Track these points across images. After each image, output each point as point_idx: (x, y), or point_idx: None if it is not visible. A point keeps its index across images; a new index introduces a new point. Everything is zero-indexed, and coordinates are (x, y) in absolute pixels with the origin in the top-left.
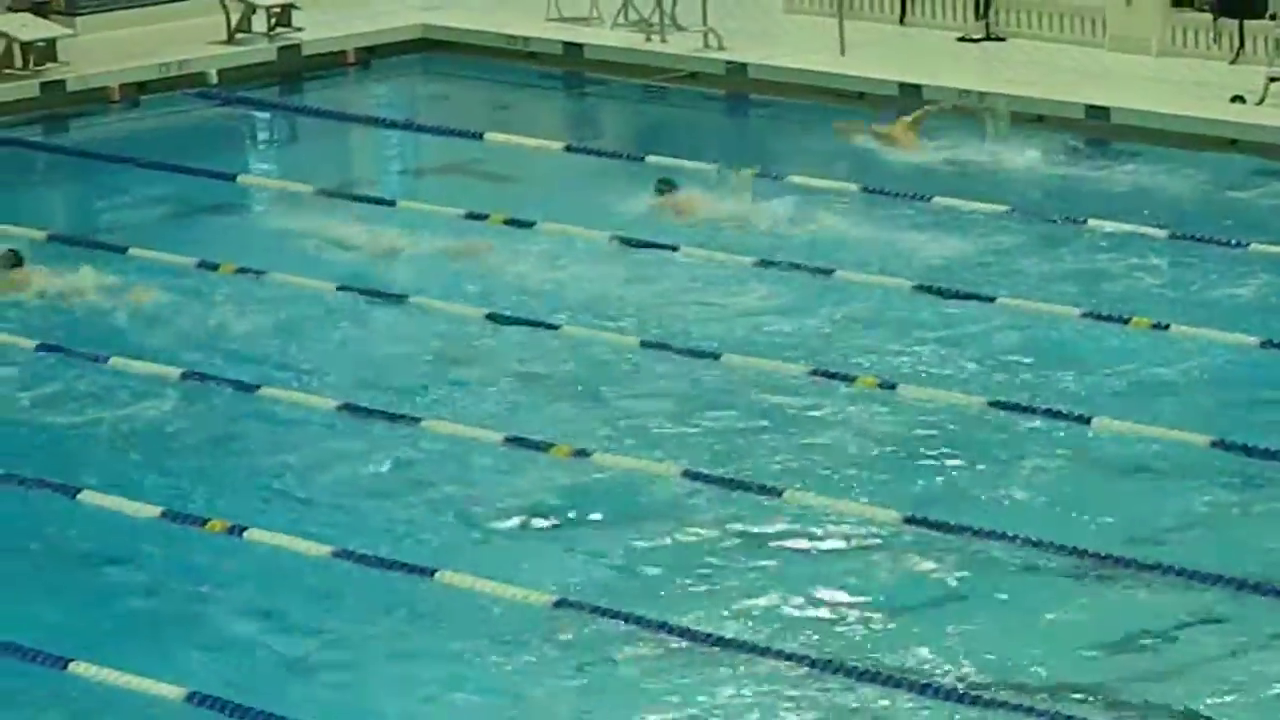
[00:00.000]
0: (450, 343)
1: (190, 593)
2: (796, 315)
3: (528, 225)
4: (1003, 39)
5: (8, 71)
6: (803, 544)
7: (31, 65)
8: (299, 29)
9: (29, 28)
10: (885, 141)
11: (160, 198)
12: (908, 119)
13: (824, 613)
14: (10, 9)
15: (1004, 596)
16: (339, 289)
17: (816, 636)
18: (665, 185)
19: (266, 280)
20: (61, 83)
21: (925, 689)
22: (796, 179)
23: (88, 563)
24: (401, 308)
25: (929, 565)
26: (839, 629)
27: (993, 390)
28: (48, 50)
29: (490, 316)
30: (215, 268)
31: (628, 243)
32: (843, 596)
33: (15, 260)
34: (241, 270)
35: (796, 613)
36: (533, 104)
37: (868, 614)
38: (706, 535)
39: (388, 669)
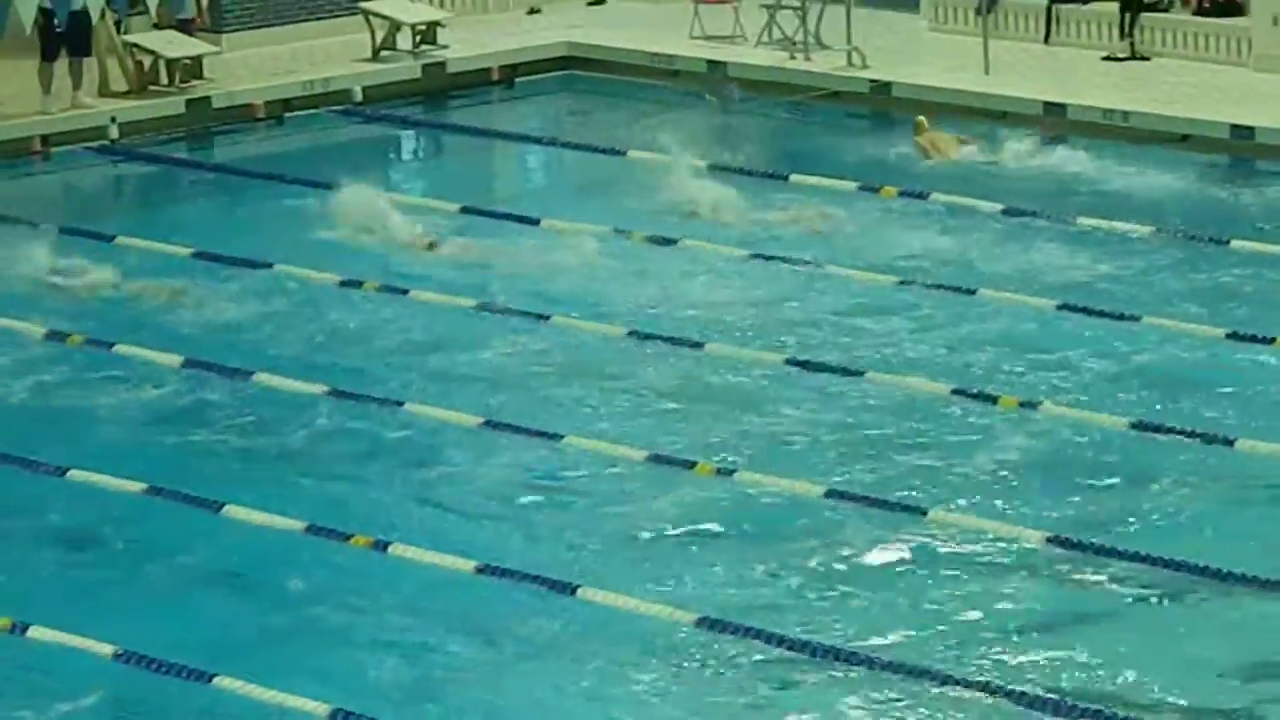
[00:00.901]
0: (592, 359)
1: (334, 608)
2: (939, 334)
3: (670, 243)
4: (1147, 58)
5: (154, 88)
6: (946, 564)
7: (177, 82)
8: (444, 46)
9: (175, 45)
10: (928, 149)
11: (303, 214)
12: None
13: (966, 632)
14: (156, 26)
15: (1146, 619)
16: (478, 307)
17: (958, 655)
18: None
19: (409, 299)
20: (207, 99)
21: (1064, 709)
22: (941, 197)
23: (233, 577)
24: (544, 325)
25: (1071, 586)
26: (981, 648)
27: (1136, 411)
28: (194, 67)
29: (632, 333)
30: (359, 285)
31: (769, 260)
32: (984, 616)
33: None
34: (384, 288)
35: (938, 632)
36: (676, 122)
37: (1009, 634)
38: (850, 554)
39: (530, 686)
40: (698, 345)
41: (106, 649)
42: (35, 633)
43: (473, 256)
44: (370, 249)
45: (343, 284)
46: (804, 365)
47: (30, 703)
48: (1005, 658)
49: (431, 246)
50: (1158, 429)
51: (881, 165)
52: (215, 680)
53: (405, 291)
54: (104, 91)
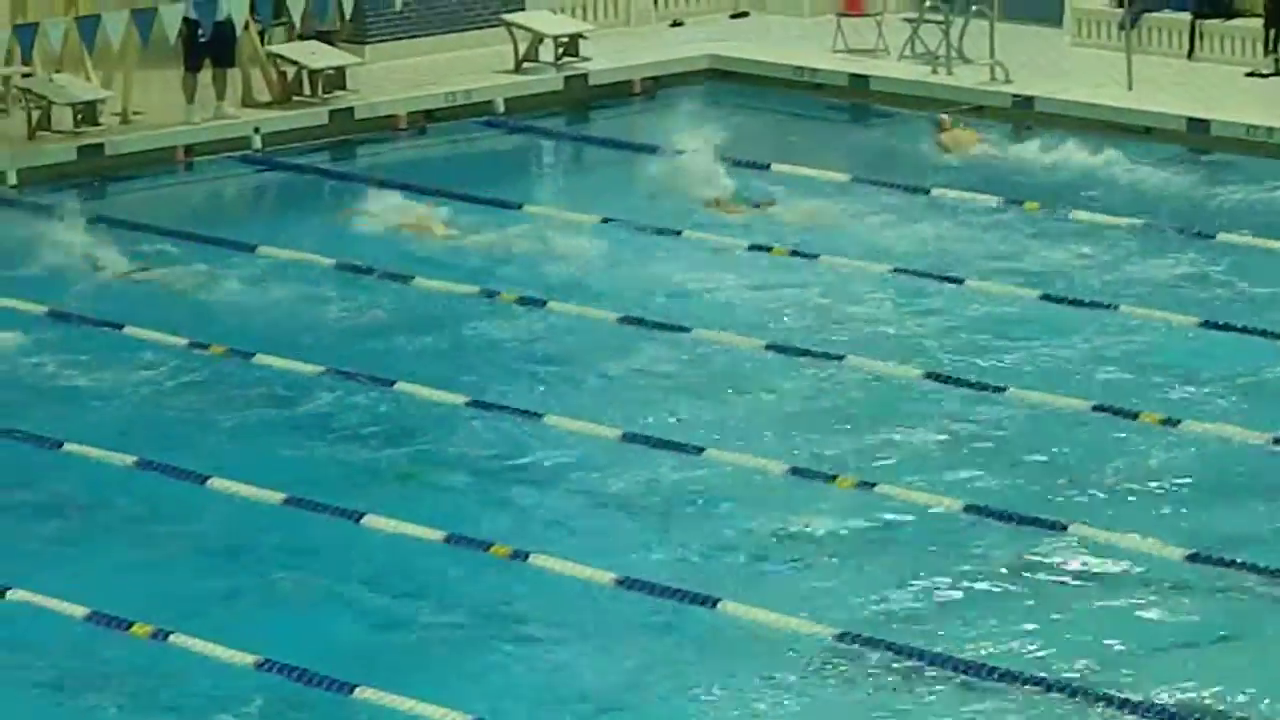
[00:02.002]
0: (730, 373)
1: (473, 618)
2: (1079, 350)
3: (812, 257)
4: None
5: (297, 99)
6: (1086, 579)
7: (321, 93)
8: (586, 59)
9: (318, 55)
10: (949, 145)
11: (453, 230)
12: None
13: (1104, 647)
14: (300, 37)
15: None
16: (620, 320)
17: (1096, 670)
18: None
19: (549, 310)
20: (350, 110)
21: None
22: (1082, 215)
23: (372, 586)
24: (681, 336)
25: (1210, 603)
26: (1119, 663)
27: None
28: (337, 78)
29: (770, 346)
30: (493, 295)
31: (909, 274)
32: (1123, 631)
33: None
34: (522, 300)
35: (1077, 646)
36: (818, 135)
37: (1148, 649)
38: (989, 568)
39: (669, 700)
40: (837, 358)
41: (248, 658)
42: (176, 640)
43: (610, 269)
44: (514, 259)
45: (483, 292)
46: (942, 379)
47: (172, 712)
48: (1143, 674)
49: None
50: None
51: (1026, 182)
52: (356, 691)
53: (543, 303)
54: (247, 102)
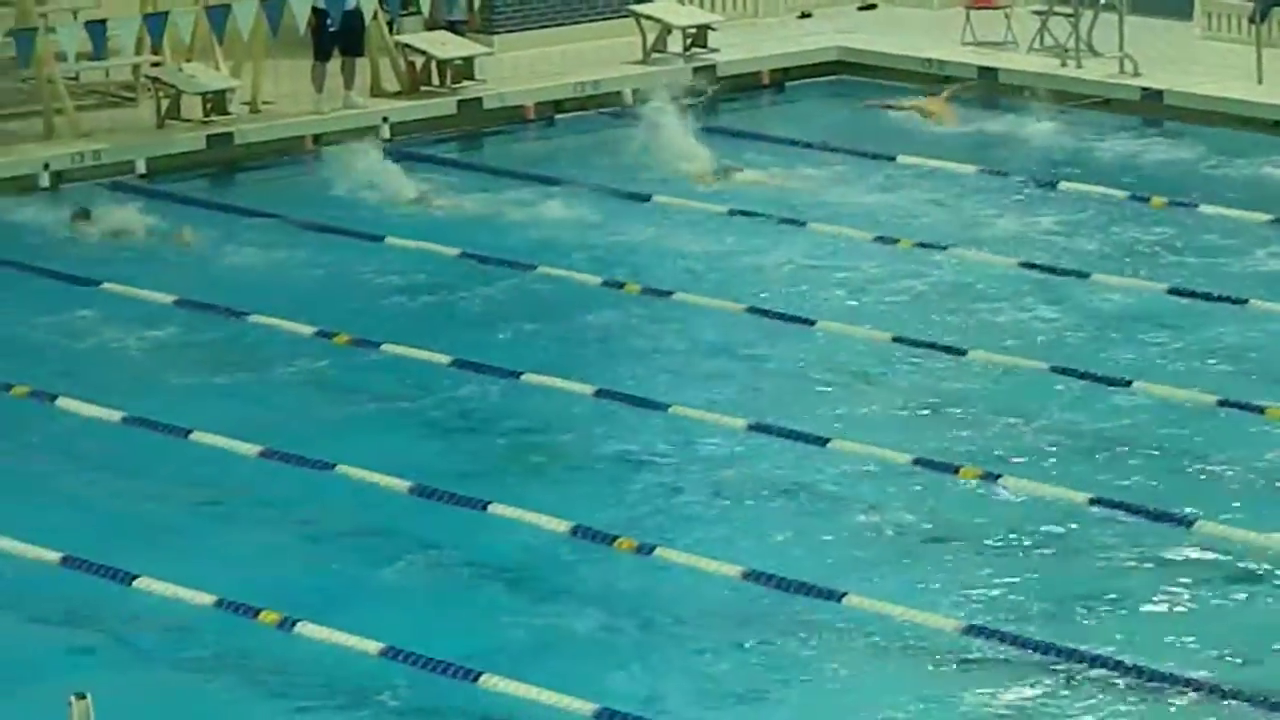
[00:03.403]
0: (856, 365)
1: (598, 610)
2: (1205, 345)
3: (940, 248)
4: None
5: (426, 89)
6: (1212, 574)
7: (449, 83)
8: (714, 50)
9: (447, 46)
10: (925, 116)
11: (572, 217)
12: (942, 95)
13: (1232, 645)
14: (428, 27)
15: None
16: (749, 310)
17: (1224, 667)
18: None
19: (673, 300)
20: (478, 100)
21: None
22: (1208, 209)
23: (498, 577)
24: (808, 330)
25: None
26: (1246, 661)
27: None
28: (465, 68)
29: (897, 339)
30: (621, 286)
31: (1034, 269)
32: (1250, 629)
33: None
34: (646, 290)
35: (1203, 643)
36: (944, 127)
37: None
38: (1114, 563)
39: (794, 693)
40: (960, 352)
41: (374, 646)
42: (303, 629)
43: (734, 260)
44: (639, 249)
45: (605, 284)
46: (1066, 373)
47: (299, 701)
48: (1273, 671)
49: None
50: None
51: (1155, 173)
52: (482, 679)
53: (669, 294)
54: (376, 91)
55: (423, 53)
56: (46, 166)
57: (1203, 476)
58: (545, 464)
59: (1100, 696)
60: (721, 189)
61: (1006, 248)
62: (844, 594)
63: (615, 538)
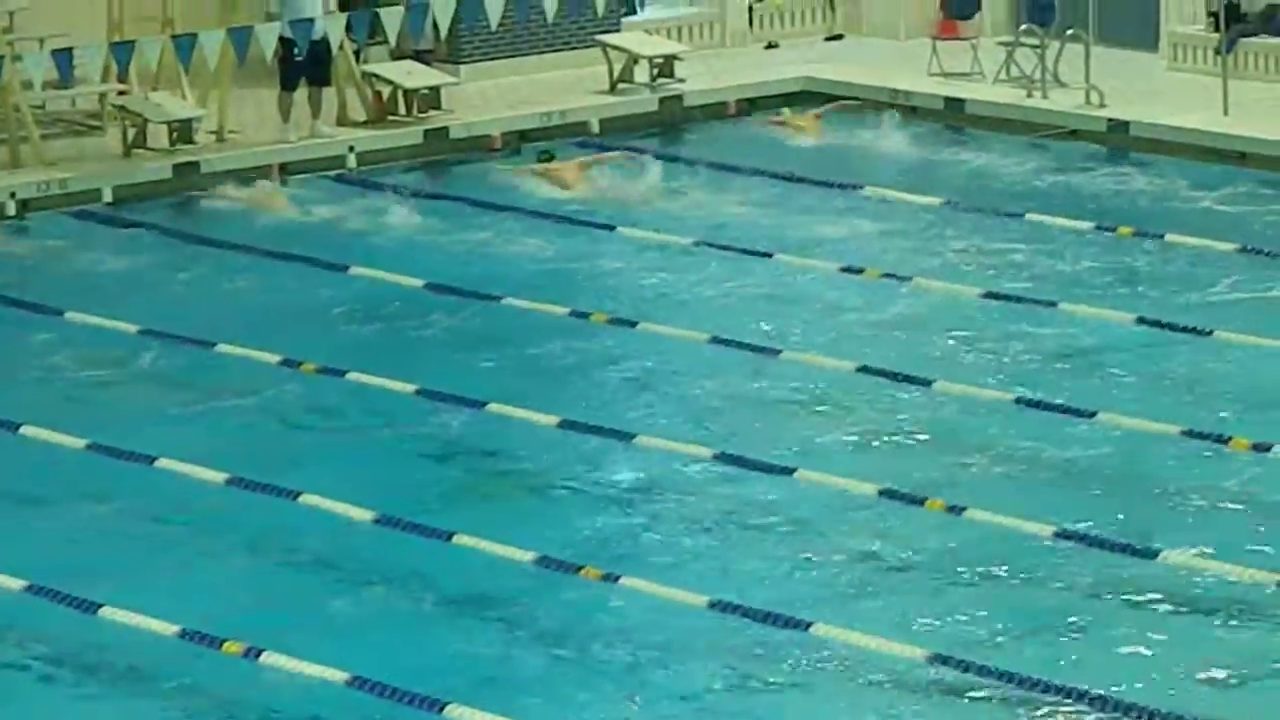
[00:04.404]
0: (821, 395)
1: (563, 640)
2: (1170, 375)
3: (904, 279)
4: None
5: (392, 118)
6: (1178, 605)
7: (415, 112)
8: (680, 80)
9: (414, 75)
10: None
11: (541, 250)
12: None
13: (1198, 675)
14: (395, 57)
15: None
16: (711, 340)
17: (1191, 698)
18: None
19: (637, 331)
20: (445, 130)
21: None
22: (1174, 239)
23: (462, 606)
24: (776, 360)
25: None
26: (1213, 692)
27: None
28: (432, 98)
29: (862, 369)
30: (586, 316)
31: (1003, 300)
32: (1217, 659)
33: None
34: (613, 320)
35: (1169, 673)
36: (913, 158)
37: (1241, 675)
38: (1080, 593)
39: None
40: (925, 383)
41: (340, 675)
42: (267, 658)
43: (703, 289)
44: (600, 280)
45: (572, 314)
46: (1032, 405)
47: None
48: (1238, 701)
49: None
50: None
51: (1119, 205)
52: (447, 709)
53: (634, 324)
54: (342, 121)
55: (389, 82)
56: (13, 195)
57: (1168, 507)
58: (510, 493)
59: None
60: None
61: (971, 278)
62: (810, 623)
63: (580, 567)
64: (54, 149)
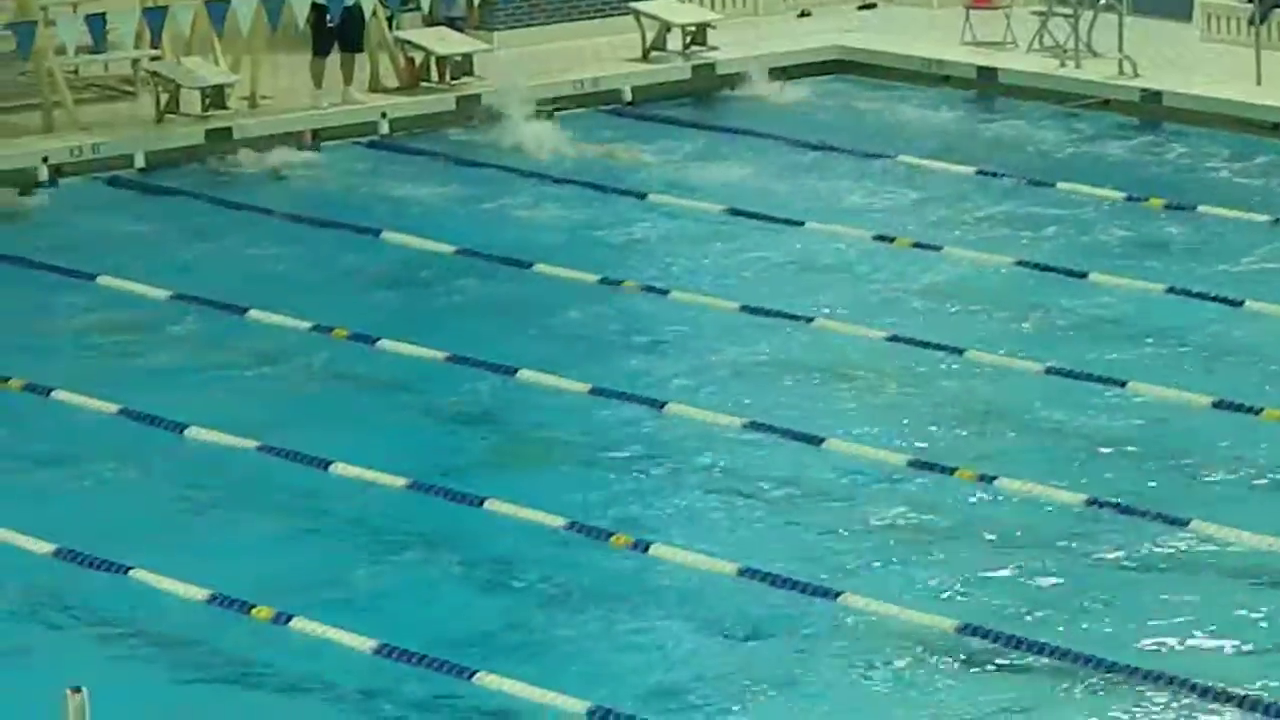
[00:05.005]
0: (853, 362)
1: (593, 606)
2: (1202, 345)
3: (936, 248)
4: None
5: (425, 85)
6: (1209, 574)
7: (448, 79)
8: (713, 48)
9: (446, 42)
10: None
11: (572, 218)
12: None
13: (1230, 645)
14: (428, 23)
15: None
16: (741, 309)
17: (1222, 667)
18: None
19: (668, 299)
20: (477, 96)
21: None
22: (1206, 210)
23: (493, 572)
24: (806, 328)
25: None
26: (1245, 662)
27: None
28: (464, 64)
29: (892, 338)
30: (617, 283)
31: (1033, 268)
32: (1247, 629)
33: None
34: (645, 288)
35: (1198, 641)
36: (944, 127)
37: (1277, 646)
38: (1111, 563)
39: (790, 691)
40: (957, 351)
41: (368, 643)
42: (297, 624)
43: (735, 257)
44: (631, 250)
45: (602, 281)
46: (1063, 374)
47: (293, 697)
48: (1265, 672)
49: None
50: None
51: (1151, 175)
52: (476, 677)
53: (665, 292)
54: (375, 87)
55: (422, 49)
56: (45, 160)
57: (1198, 477)
58: (540, 460)
59: (1098, 695)
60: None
61: (1003, 247)
62: (840, 592)
63: (611, 534)
64: (87, 114)
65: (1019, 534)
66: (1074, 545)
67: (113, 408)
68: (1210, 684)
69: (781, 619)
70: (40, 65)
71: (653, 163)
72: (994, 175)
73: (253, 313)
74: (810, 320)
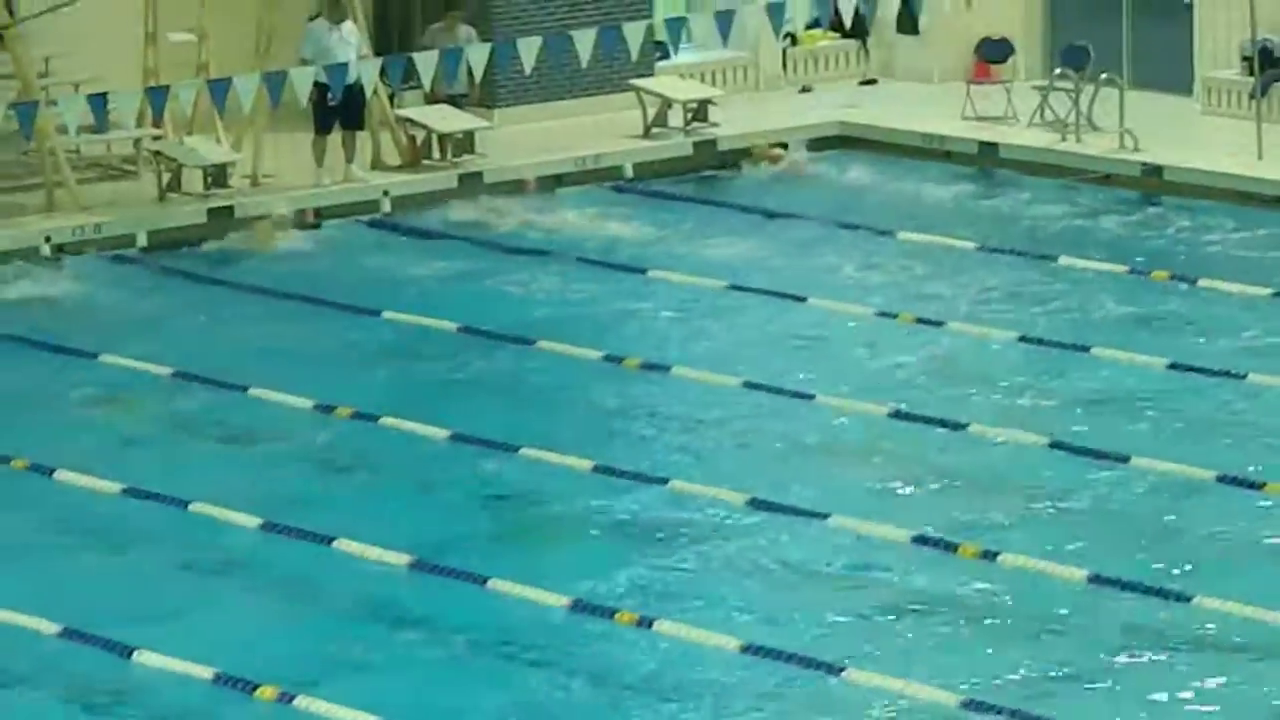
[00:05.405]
0: (856, 439)
1: (597, 684)
2: (1205, 419)
3: (938, 323)
4: None
5: (427, 162)
6: (1213, 650)
7: (450, 156)
8: (715, 124)
9: (448, 119)
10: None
11: (575, 294)
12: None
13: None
14: (429, 101)
15: None
16: (743, 385)
17: None
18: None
19: (671, 376)
20: (479, 174)
21: None
22: (1208, 284)
23: (497, 651)
24: (809, 404)
25: None
26: None
27: None
28: (466, 142)
29: (895, 414)
30: (619, 360)
31: (1036, 343)
32: (1254, 707)
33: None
34: (644, 365)
35: (1203, 717)
36: (945, 202)
37: None
38: (1113, 639)
39: None
40: (959, 426)
41: None
42: (301, 703)
43: (737, 333)
44: (630, 324)
45: (606, 359)
46: (1065, 449)
47: None
48: None
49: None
50: None
51: (1155, 249)
52: None
53: (667, 369)
54: (377, 165)
55: (423, 126)
56: (48, 239)
57: (1203, 552)
58: (544, 538)
59: None
60: None
61: (1005, 322)
62: (843, 668)
63: (615, 611)
64: (89, 193)
65: (1022, 610)
66: (1078, 621)
67: (116, 487)
68: None
69: (785, 695)
70: (42, 145)
71: (654, 238)
72: (996, 250)
73: (255, 390)
74: (812, 397)
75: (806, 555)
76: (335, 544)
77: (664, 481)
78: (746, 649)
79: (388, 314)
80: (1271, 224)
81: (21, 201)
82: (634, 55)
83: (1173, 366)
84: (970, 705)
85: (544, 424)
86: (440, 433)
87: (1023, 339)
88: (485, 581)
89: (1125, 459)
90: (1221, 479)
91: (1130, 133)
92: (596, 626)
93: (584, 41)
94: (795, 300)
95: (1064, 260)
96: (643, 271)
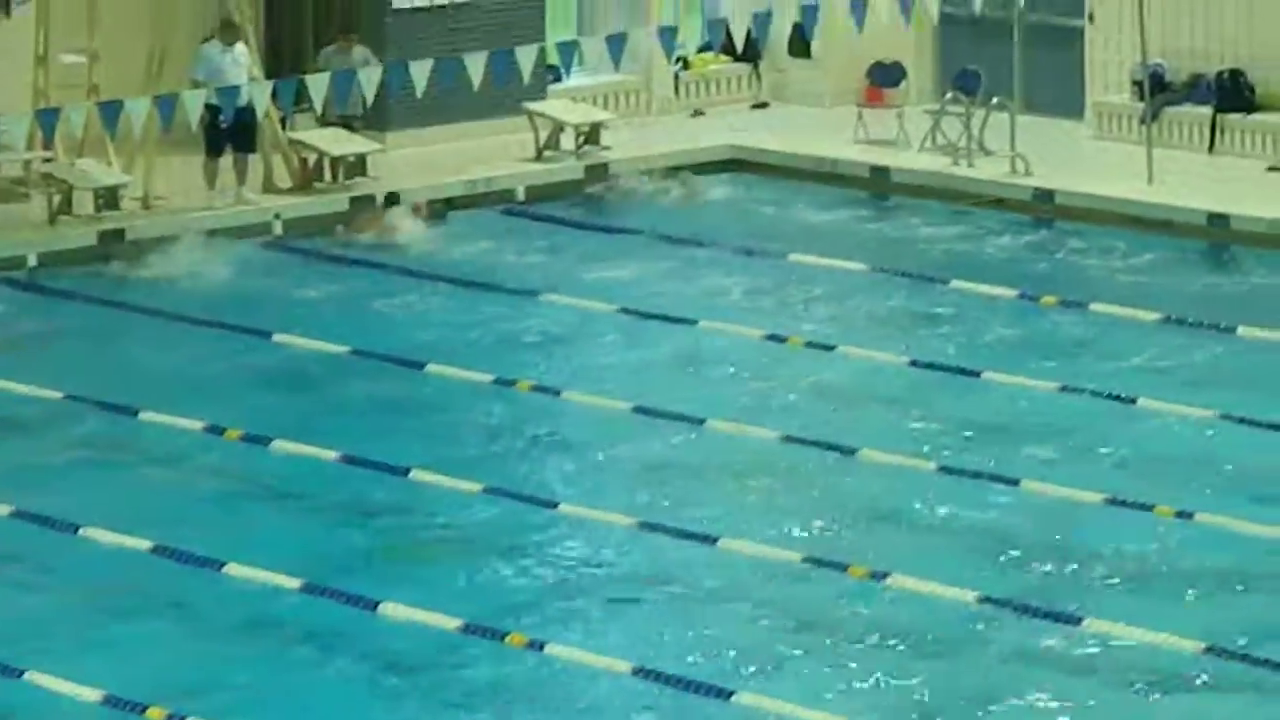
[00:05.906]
0: (746, 462)
1: (489, 707)
2: (1094, 443)
3: (828, 348)
4: None
5: (318, 185)
6: (1099, 673)
7: (342, 179)
8: (606, 148)
9: (339, 142)
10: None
11: (465, 317)
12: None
13: None
14: (321, 124)
15: None
16: (633, 409)
17: None
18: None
19: (560, 399)
20: (370, 197)
21: None
22: (1098, 308)
23: (389, 673)
24: (698, 428)
25: (1231, 699)
26: None
27: None
28: (358, 165)
29: (786, 438)
30: (510, 384)
31: (926, 368)
32: None
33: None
34: (537, 388)
35: None
36: (836, 225)
37: None
38: (1004, 661)
39: None
40: (849, 452)
41: None
42: None
43: (627, 356)
44: (530, 349)
45: (496, 382)
46: (956, 473)
47: None
48: None
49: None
50: None
51: (1045, 273)
52: None
53: (557, 393)
54: (268, 188)
55: (315, 149)
56: None
57: (1092, 574)
58: (434, 560)
59: None
60: None
61: (895, 346)
62: (733, 691)
63: (505, 634)
64: None
65: (913, 632)
66: (968, 643)
67: (4, 509)
68: None
69: (677, 718)
70: None
71: (544, 262)
72: (887, 273)
73: (145, 414)
74: (702, 421)
75: (696, 578)
76: (225, 568)
77: (554, 505)
78: (637, 671)
79: (278, 336)
80: (1161, 248)
81: None
82: (526, 78)
83: (1063, 389)
84: None
85: (433, 447)
86: (330, 454)
87: (913, 363)
88: (375, 605)
89: (1015, 482)
90: (1110, 501)
91: (1021, 157)
92: (487, 648)
93: (476, 64)
94: (686, 324)
95: (955, 284)
96: (534, 294)
